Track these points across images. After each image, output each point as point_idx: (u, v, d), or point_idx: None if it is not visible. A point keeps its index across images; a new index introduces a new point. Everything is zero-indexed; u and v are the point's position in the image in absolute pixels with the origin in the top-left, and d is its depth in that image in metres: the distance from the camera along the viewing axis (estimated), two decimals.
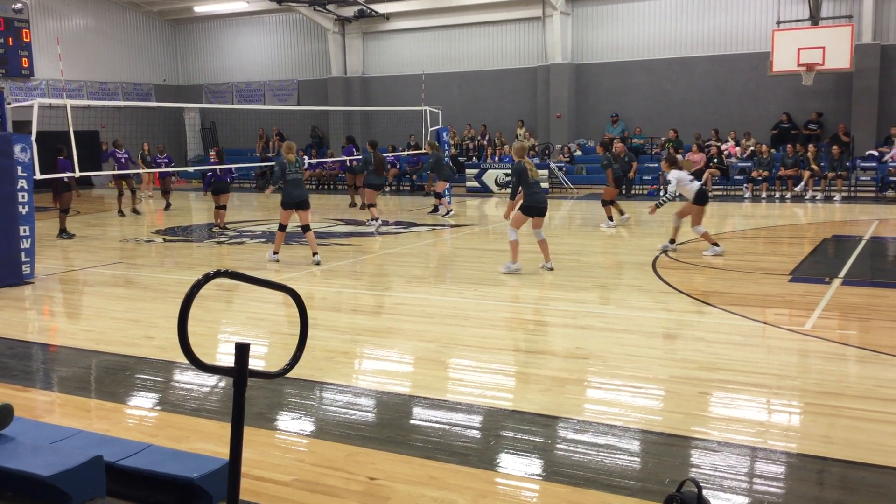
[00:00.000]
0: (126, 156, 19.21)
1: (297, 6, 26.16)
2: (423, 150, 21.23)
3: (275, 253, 11.52)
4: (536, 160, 22.38)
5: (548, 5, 23.49)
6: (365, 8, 25.95)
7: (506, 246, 10.54)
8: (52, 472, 3.21)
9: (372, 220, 15.39)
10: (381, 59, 27.53)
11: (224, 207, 15.55)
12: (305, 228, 11.22)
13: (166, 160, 20.33)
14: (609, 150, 15.20)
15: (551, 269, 10.19)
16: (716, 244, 11.19)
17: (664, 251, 11.48)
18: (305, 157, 12.63)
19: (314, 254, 11.21)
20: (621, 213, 14.85)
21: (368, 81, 27.76)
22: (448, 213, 16.94)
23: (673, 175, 11.45)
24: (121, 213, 18.76)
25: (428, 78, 23.68)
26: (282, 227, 11.35)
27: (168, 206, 20.00)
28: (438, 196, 17.32)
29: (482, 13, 25.17)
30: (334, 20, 26.95)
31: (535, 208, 9.99)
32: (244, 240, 14.11)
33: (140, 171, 20.21)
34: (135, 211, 18.88)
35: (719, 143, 20.88)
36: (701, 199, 11.30)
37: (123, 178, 18.91)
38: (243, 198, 22.19)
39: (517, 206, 10.05)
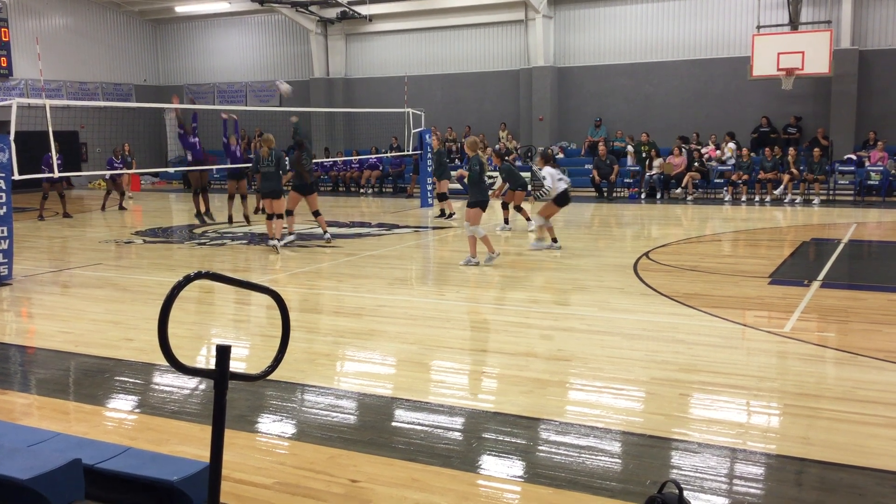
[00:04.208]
0: (121, 165, 20.48)
1: (280, 7, 26.09)
2: (405, 153, 21.24)
3: (271, 239, 12.58)
4: (519, 162, 22.45)
5: (530, 9, 23.56)
6: (347, 9, 25.92)
7: (485, 247, 10.73)
8: (29, 476, 3.17)
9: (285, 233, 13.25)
10: (363, 60, 27.50)
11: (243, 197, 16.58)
12: (277, 216, 12.46)
13: (120, 164, 20.44)
14: (504, 160, 15.03)
15: (477, 264, 10.80)
16: (555, 240, 12.12)
17: (548, 248, 12.17)
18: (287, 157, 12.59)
19: (270, 238, 12.46)
20: (528, 219, 14.68)
21: (351, 83, 27.72)
22: (451, 215, 16.69)
23: (546, 171, 12.18)
24: (122, 207, 20.24)
25: (411, 80, 23.69)
26: (268, 216, 12.57)
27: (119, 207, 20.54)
28: (443, 198, 17.03)
29: (465, 16, 25.21)
30: (317, 21, 26.89)
31: (486, 202, 10.84)
32: (225, 241, 14.03)
33: (127, 171, 20.53)
34: (122, 208, 20.21)
35: (699, 147, 21.03)
36: (561, 200, 12.09)
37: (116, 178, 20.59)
38: (224, 199, 22.04)
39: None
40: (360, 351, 7.02)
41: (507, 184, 14.57)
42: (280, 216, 12.53)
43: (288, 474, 4.36)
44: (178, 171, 26.24)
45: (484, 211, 10.79)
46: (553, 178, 12.01)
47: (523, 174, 21.30)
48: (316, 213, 13.21)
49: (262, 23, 29.08)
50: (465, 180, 11.16)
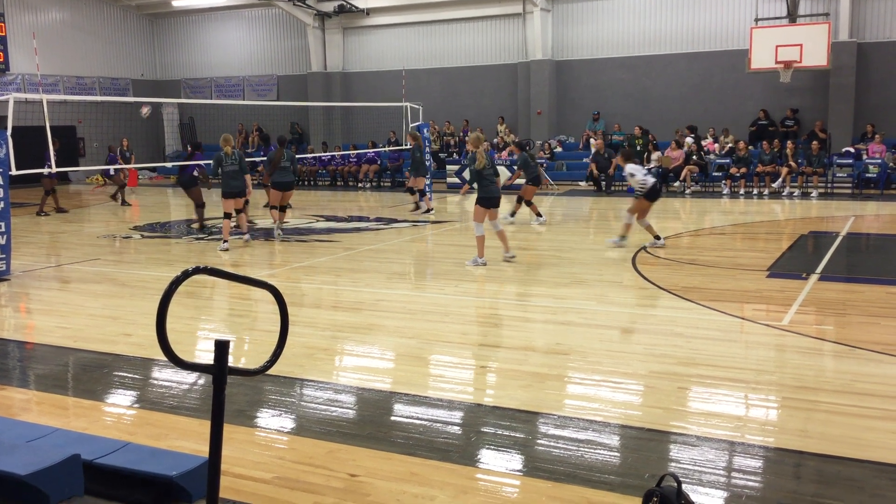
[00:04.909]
0: (118, 159, 20.68)
1: (277, 1, 26.02)
2: (403, 147, 21.18)
3: (224, 241, 12.23)
4: (515, 156, 22.42)
5: (528, 2, 23.52)
6: (345, 3, 25.86)
7: (489, 242, 10.67)
8: (29, 471, 3.17)
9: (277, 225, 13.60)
10: (361, 54, 27.45)
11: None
12: (238, 212, 12.56)
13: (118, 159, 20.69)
14: (524, 150, 15.10)
15: (513, 258, 10.59)
16: (623, 237, 11.66)
17: (651, 246, 11.50)
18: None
19: (244, 233, 12.60)
20: (538, 214, 14.76)
21: (349, 77, 27.67)
22: (429, 210, 16.79)
23: (632, 168, 11.68)
24: (125, 202, 20.06)
25: (409, 74, 23.66)
26: (226, 216, 12.32)
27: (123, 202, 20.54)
28: (422, 193, 17.03)
29: (463, 9, 25.16)
30: (314, 15, 26.82)
31: (490, 199, 10.36)
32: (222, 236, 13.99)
33: (125, 166, 20.62)
34: (125, 203, 20.02)
35: (698, 138, 21.01)
36: (652, 195, 11.54)
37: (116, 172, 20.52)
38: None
39: (467, 191, 10.92)
40: (358, 345, 7.02)
41: (524, 174, 14.55)
42: (240, 212, 12.68)
43: (287, 469, 4.37)
44: (174, 166, 26.24)
45: (488, 208, 10.38)
46: (641, 173, 11.59)
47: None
48: (278, 207, 13.46)
49: (259, 17, 29.01)
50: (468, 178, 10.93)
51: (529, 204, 14.68)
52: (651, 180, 11.60)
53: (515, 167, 15.19)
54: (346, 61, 27.75)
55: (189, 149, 15.87)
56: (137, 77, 30.37)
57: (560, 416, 5.09)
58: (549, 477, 4.18)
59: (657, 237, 11.60)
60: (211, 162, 12.89)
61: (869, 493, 3.98)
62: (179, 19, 30.58)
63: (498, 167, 12.05)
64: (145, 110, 19.36)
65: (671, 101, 22.81)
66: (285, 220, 13.99)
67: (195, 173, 14.79)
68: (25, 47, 24.95)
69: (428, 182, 19.24)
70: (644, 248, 11.47)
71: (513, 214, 14.88)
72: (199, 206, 14.62)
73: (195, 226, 14.91)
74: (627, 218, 11.76)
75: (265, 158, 14.67)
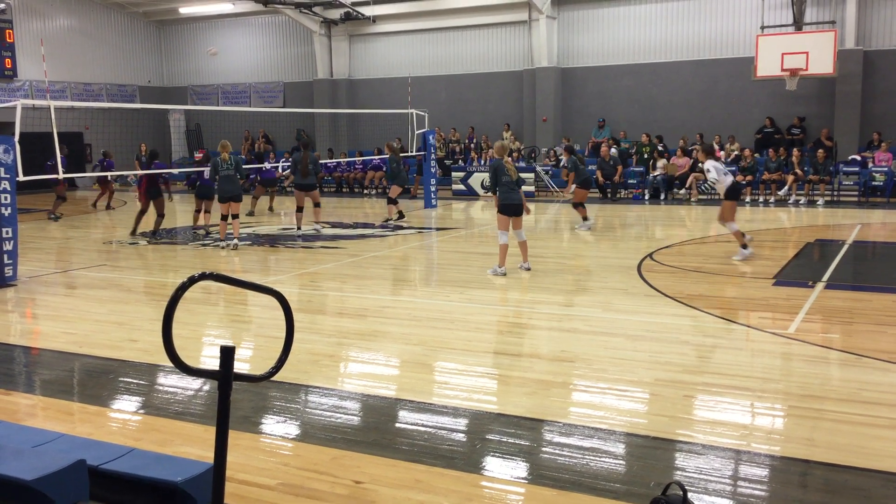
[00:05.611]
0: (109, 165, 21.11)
1: (283, 8, 26.11)
2: (409, 154, 21.21)
3: (221, 240, 13.23)
4: (522, 163, 22.44)
5: (534, 9, 23.55)
6: (351, 10, 25.93)
7: (492, 249, 10.66)
8: (34, 476, 3.18)
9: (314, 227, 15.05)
10: (367, 61, 27.51)
11: (209, 211, 15.54)
12: (234, 216, 13.07)
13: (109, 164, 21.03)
14: (573, 154, 15.12)
15: (528, 270, 10.42)
16: (745, 246, 11.02)
17: (745, 258, 11.03)
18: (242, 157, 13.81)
19: (234, 238, 13.11)
20: (585, 218, 14.76)
21: (355, 84, 27.74)
22: (388, 220, 16.50)
23: (710, 165, 11.15)
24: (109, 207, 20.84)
25: (414, 81, 23.69)
26: (223, 218, 13.11)
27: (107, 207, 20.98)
28: (390, 200, 16.70)
29: (469, 17, 25.21)
30: (320, 22, 26.91)
31: (509, 206, 10.15)
32: (227, 242, 14.02)
33: (134, 172, 20.99)
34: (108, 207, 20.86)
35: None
36: (733, 193, 11.04)
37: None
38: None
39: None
40: (363, 352, 7.02)
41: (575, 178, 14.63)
42: (236, 216, 13.19)
43: (292, 475, 4.37)
44: (182, 172, 26.30)
45: (510, 215, 10.17)
46: (718, 172, 11.00)
47: (526, 175, 21.46)
48: (315, 205, 14.97)
49: (265, 24, 29.11)
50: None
51: (577, 206, 14.72)
52: (730, 179, 11.09)
53: (567, 170, 15.18)
54: (352, 68, 27.81)
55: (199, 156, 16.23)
56: (144, 84, 30.49)
57: (565, 424, 5.08)
58: (554, 485, 4.18)
59: (745, 245, 11.04)
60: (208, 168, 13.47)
61: (876, 502, 3.96)
62: (186, 26, 30.70)
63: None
64: (213, 51, 20.42)
65: (677, 108, 22.79)
66: (318, 221, 15.14)
67: (159, 183, 15.31)
68: (33, 54, 25.08)
69: (433, 189, 19.28)
70: (733, 257, 11.13)
71: (585, 219, 14.78)
72: (161, 215, 14.93)
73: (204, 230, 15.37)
74: (733, 227, 11.14)
75: (290, 163, 15.63)
